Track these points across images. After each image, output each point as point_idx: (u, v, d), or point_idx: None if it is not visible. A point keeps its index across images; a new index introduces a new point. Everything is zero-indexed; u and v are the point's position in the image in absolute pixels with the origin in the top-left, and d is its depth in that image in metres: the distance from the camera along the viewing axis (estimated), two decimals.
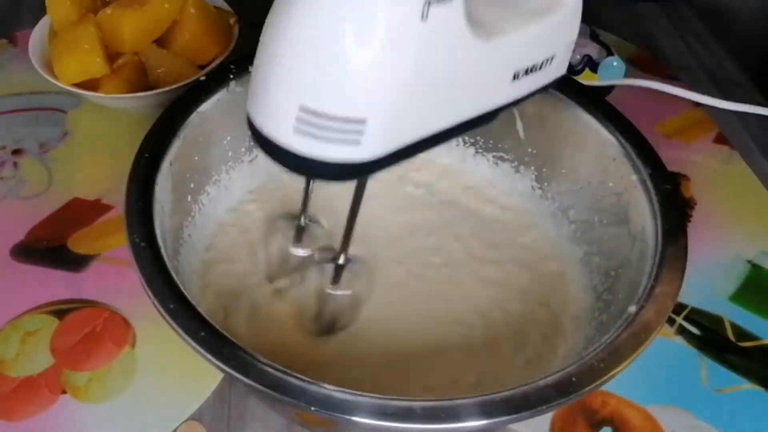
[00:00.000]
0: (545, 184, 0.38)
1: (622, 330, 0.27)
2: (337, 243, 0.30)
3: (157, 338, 0.36)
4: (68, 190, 0.43)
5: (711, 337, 0.32)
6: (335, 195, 0.31)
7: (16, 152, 0.45)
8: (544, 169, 0.38)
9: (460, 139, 0.40)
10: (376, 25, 0.21)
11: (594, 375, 0.26)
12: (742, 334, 0.37)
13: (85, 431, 0.32)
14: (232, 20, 0.48)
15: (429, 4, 0.21)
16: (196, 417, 0.33)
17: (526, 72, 0.27)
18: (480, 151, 0.40)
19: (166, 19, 0.44)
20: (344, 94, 0.22)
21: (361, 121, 0.22)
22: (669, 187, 0.32)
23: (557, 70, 0.28)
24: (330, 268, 0.31)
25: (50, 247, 0.40)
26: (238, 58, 0.36)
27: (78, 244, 0.40)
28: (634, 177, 0.33)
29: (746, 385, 0.36)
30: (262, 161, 0.38)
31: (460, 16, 0.22)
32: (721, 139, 0.49)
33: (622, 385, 0.34)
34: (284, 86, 0.22)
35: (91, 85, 0.44)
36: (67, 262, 0.39)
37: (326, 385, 0.24)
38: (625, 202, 0.33)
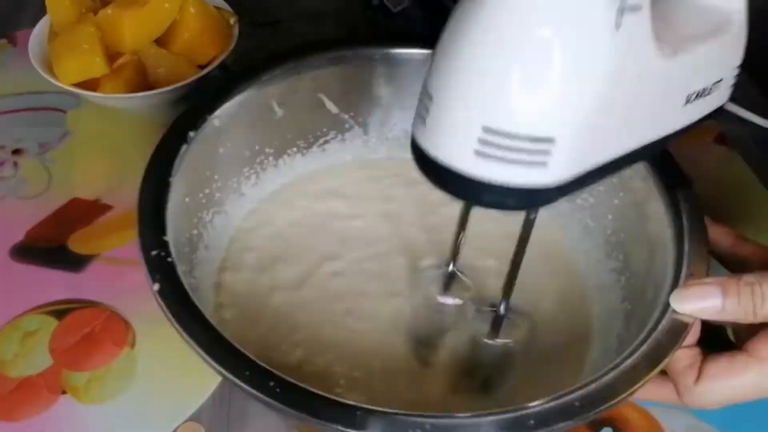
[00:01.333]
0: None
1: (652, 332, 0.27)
2: (481, 290, 0.29)
3: (157, 338, 0.36)
4: (68, 190, 0.43)
5: (711, 337, 0.31)
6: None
7: (16, 152, 0.45)
8: None
9: None
10: (568, 36, 0.20)
11: (613, 392, 0.25)
12: None
13: (84, 431, 0.32)
14: (232, 20, 0.48)
15: (622, 11, 0.20)
16: (196, 417, 0.33)
17: (697, 95, 0.25)
18: None
19: (166, 19, 0.44)
20: (532, 111, 0.20)
21: (550, 140, 0.21)
22: (690, 194, 0.31)
23: (722, 95, 0.27)
24: (482, 317, 0.29)
25: (50, 247, 0.40)
26: (266, 58, 0.35)
27: (78, 244, 0.40)
28: (659, 198, 0.32)
29: None
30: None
31: (648, 26, 0.21)
32: (721, 140, 0.49)
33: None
34: (465, 105, 0.21)
35: (91, 85, 0.44)
36: (67, 262, 0.39)
37: (329, 396, 0.24)
38: (644, 211, 0.33)
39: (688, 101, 0.25)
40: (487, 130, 0.21)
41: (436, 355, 0.32)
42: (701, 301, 0.27)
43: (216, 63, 0.45)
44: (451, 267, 0.31)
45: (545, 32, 0.20)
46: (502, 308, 0.28)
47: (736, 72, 0.27)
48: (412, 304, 0.33)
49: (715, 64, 0.26)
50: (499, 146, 0.21)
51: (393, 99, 0.38)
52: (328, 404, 0.24)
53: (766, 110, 0.48)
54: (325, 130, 0.39)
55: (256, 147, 0.36)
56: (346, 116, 0.39)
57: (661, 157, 0.33)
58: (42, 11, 0.46)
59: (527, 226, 0.26)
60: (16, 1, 0.56)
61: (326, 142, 0.39)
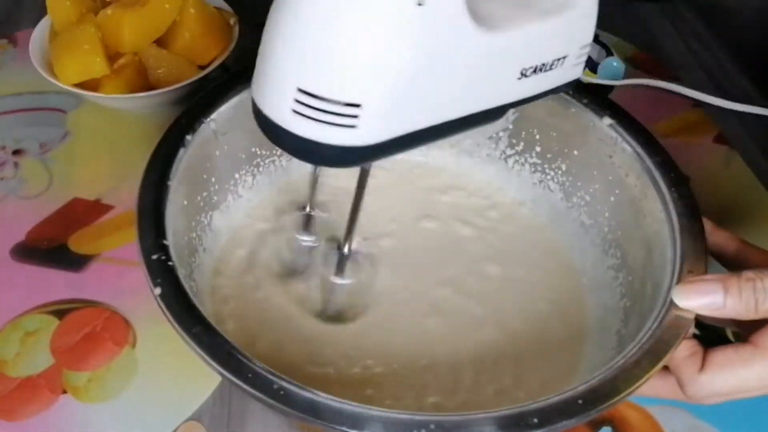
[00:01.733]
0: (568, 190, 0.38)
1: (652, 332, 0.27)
2: (337, 231, 0.30)
3: (157, 338, 0.36)
4: (68, 190, 0.43)
5: (711, 337, 0.32)
6: (343, 188, 0.31)
7: (17, 152, 0.45)
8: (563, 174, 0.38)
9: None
10: (372, 9, 0.21)
11: (614, 389, 0.25)
12: None
13: (85, 431, 0.32)
14: (232, 20, 0.48)
15: None
16: (196, 417, 0.33)
17: (535, 71, 0.26)
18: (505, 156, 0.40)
19: (166, 20, 0.45)
20: (340, 78, 0.22)
21: (357, 106, 0.22)
22: (685, 190, 0.31)
23: (571, 72, 0.28)
24: (335, 258, 0.31)
25: (50, 247, 0.40)
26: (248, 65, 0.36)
27: (78, 243, 0.40)
28: (656, 194, 0.32)
29: None
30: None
31: (460, 2, 0.22)
32: (720, 139, 0.49)
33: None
34: (283, 68, 0.23)
35: (91, 85, 0.44)
36: (68, 262, 0.39)
37: (333, 398, 0.24)
38: (641, 208, 0.33)
39: (524, 75, 0.26)
40: (301, 91, 0.23)
41: (301, 291, 0.34)
42: (703, 298, 0.27)
43: (216, 63, 0.45)
44: (307, 209, 0.33)
45: (352, 4, 0.21)
46: (345, 249, 0.30)
47: (584, 50, 0.28)
48: (276, 244, 0.36)
49: (556, 42, 0.26)
50: (312, 107, 0.23)
51: None
52: (333, 406, 0.24)
53: (765, 106, 0.48)
54: None
55: (252, 149, 0.37)
56: None
57: (657, 154, 0.33)
58: (42, 12, 0.46)
59: (362, 180, 0.28)
60: (16, 2, 0.56)
61: None
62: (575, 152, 0.37)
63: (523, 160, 0.39)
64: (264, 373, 0.24)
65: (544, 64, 0.26)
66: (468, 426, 0.24)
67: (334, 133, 0.23)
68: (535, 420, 0.24)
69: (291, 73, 0.23)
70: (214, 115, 0.33)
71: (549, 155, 0.38)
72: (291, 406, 0.24)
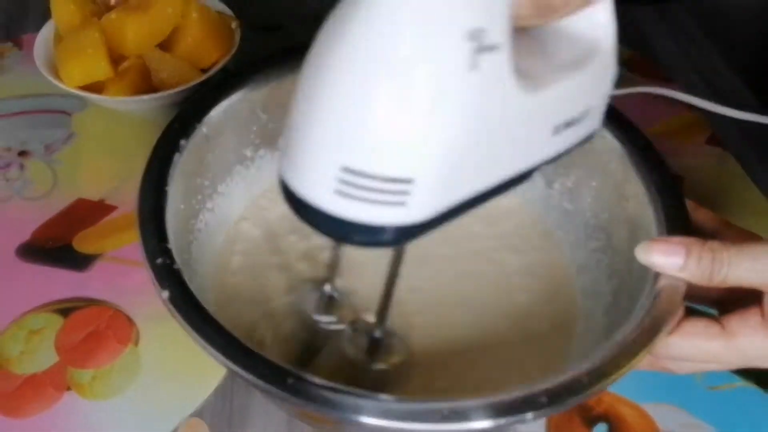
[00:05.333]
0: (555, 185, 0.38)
1: (633, 329, 0.27)
2: (367, 312, 0.29)
3: (160, 336, 0.36)
4: (73, 190, 0.43)
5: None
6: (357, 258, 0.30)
7: (22, 154, 0.45)
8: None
9: None
10: (421, 77, 0.19)
11: (603, 374, 0.26)
12: None
13: (89, 428, 0.33)
14: (233, 24, 0.48)
15: (478, 52, 0.19)
16: (199, 414, 0.33)
17: (566, 125, 0.25)
18: None
19: (169, 24, 0.45)
20: (389, 153, 0.20)
21: (409, 181, 0.20)
22: (672, 185, 0.32)
23: (593, 123, 0.27)
24: (364, 340, 0.29)
25: (55, 246, 0.40)
26: (244, 64, 0.36)
27: (83, 243, 0.40)
28: (638, 178, 0.33)
29: (740, 383, 0.36)
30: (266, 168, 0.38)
31: (508, 64, 0.21)
32: (713, 141, 0.49)
33: (617, 383, 0.34)
34: (324, 145, 0.21)
35: (95, 87, 0.44)
36: (72, 262, 0.39)
37: (332, 385, 0.24)
38: (623, 191, 0.34)
39: (556, 132, 0.25)
40: (345, 169, 0.20)
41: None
42: (664, 257, 0.28)
43: (218, 67, 0.45)
44: (328, 288, 0.31)
45: (402, 74, 0.19)
46: (377, 333, 0.28)
47: (605, 99, 0.27)
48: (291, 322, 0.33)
49: (583, 94, 0.25)
50: (358, 186, 0.21)
51: None
52: (350, 397, 0.24)
53: (758, 110, 0.48)
54: None
55: (242, 152, 0.37)
56: None
57: (637, 139, 0.34)
58: (47, 15, 0.47)
59: (396, 260, 0.26)
60: (21, 6, 0.56)
61: None
62: None
63: None
64: (278, 369, 0.25)
65: (573, 118, 0.25)
66: (479, 409, 0.24)
67: (381, 212, 0.21)
68: (545, 399, 0.24)
69: (334, 150, 0.20)
70: (205, 120, 0.34)
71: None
72: (308, 400, 0.24)
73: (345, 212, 0.21)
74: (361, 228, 0.21)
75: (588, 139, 0.27)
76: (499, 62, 0.20)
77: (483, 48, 0.19)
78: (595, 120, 0.27)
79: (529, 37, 0.25)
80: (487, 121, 0.21)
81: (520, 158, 0.24)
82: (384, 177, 0.20)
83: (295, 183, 0.22)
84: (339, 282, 0.32)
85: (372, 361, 0.29)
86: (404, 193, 0.21)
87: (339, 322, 0.31)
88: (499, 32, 0.20)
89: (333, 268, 0.31)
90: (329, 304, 0.32)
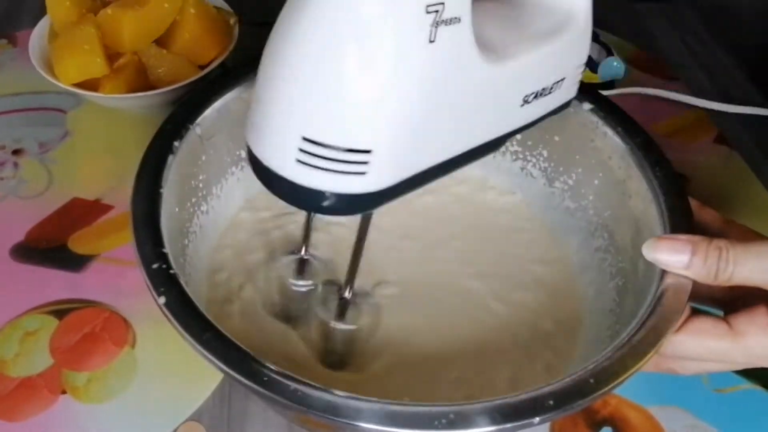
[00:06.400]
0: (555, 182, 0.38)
1: (637, 330, 0.27)
2: (339, 275, 0.29)
3: (157, 338, 0.36)
4: (68, 190, 0.43)
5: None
6: (337, 222, 0.30)
7: (16, 152, 0.45)
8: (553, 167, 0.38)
9: None
10: (381, 51, 0.20)
11: (609, 377, 0.25)
12: None
13: (84, 431, 0.32)
14: (232, 20, 0.48)
15: (437, 25, 0.20)
16: (196, 417, 0.33)
17: (536, 96, 0.26)
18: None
19: (166, 19, 0.44)
20: (348, 125, 0.21)
21: (367, 152, 0.21)
22: (676, 189, 0.31)
23: (567, 93, 0.27)
24: (334, 302, 0.30)
25: (50, 247, 0.40)
26: (239, 62, 0.36)
27: (78, 244, 0.40)
28: (640, 175, 0.32)
29: (746, 385, 0.36)
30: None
31: (468, 37, 0.21)
32: (720, 140, 0.49)
33: (622, 385, 0.34)
34: (285, 116, 0.21)
35: (91, 85, 0.44)
36: (67, 262, 0.39)
37: (332, 390, 0.24)
38: (626, 189, 0.33)
39: (525, 102, 0.25)
40: (306, 140, 0.21)
41: (300, 334, 0.32)
42: (670, 254, 0.28)
43: (216, 63, 0.45)
44: (302, 253, 0.32)
45: (359, 47, 0.20)
46: (346, 293, 0.29)
47: (579, 70, 0.27)
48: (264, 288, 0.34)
49: (555, 65, 0.26)
50: (318, 156, 0.21)
51: None
52: (353, 403, 0.24)
53: (765, 106, 0.48)
54: None
55: (237, 152, 0.36)
56: None
57: (638, 135, 0.33)
58: (42, 11, 0.46)
59: (364, 224, 0.27)
60: (16, 1, 0.56)
61: None
62: (556, 138, 0.37)
63: (504, 148, 0.39)
64: (278, 375, 0.24)
65: (544, 89, 0.26)
66: (485, 414, 0.24)
67: (341, 182, 0.22)
68: (551, 402, 0.24)
69: (294, 121, 0.21)
70: (198, 120, 0.33)
71: (530, 142, 0.38)
72: (308, 406, 0.24)
73: (307, 181, 0.22)
74: (323, 196, 0.22)
75: (562, 108, 0.27)
76: (459, 35, 0.21)
77: (442, 21, 0.20)
78: (570, 90, 0.27)
79: (504, 7, 0.25)
80: (447, 92, 0.22)
81: (486, 128, 0.25)
82: (343, 147, 0.21)
83: (260, 152, 0.23)
84: (313, 250, 0.32)
85: (341, 321, 0.30)
86: (363, 162, 0.21)
87: (313, 285, 0.32)
88: (458, 5, 0.20)
89: (306, 234, 0.31)
90: (304, 269, 0.33)
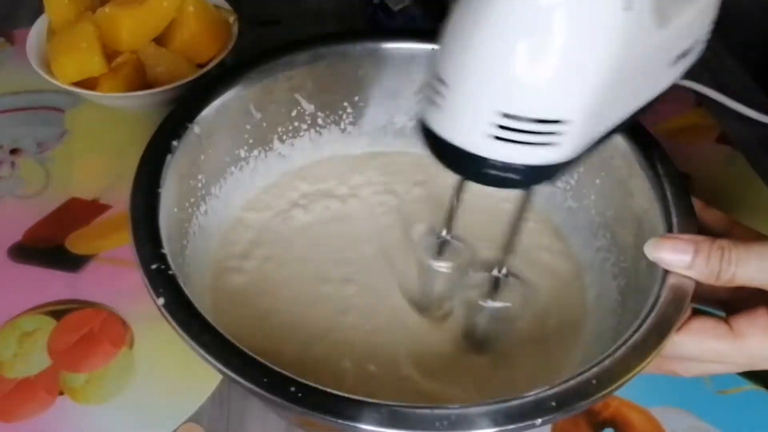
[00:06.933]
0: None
1: (638, 330, 0.27)
2: (476, 256, 0.29)
3: (155, 339, 0.35)
4: (66, 189, 0.42)
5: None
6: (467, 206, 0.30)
7: (14, 151, 0.45)
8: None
9: None
10: (579, 20, 0.20)
11: (613, 377, 0.25)
12: None
13: None
14: (231, 19, 0.48)
15: None
16: (195, 418, 0.33)
17: (680, 57, 0.26)
18: None
19: (165, 18, 0.44)
20: (545, 97, 0.21)
21: (564, 122, 0.22)
22: (679, 189, 0.31)
23: (697, 52, 0.27)
24: (478, 280, 0.30)
25: (48, 247, 0.39)
26: (237, 61, 0.36)
27: (76, 244, 0.40)
28: (642, 174, 0.32)
29: (748, 387, 0.36)
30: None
31: (652, 3, 0.21)
32: (723, 139, 0.49)
33: (623, 387, 0.34)
34: (481, 92, 0.22)
35: (89, 83, 0.43)
36: (65, 263, 0.39)
37: (331, 391, 0.24)
38: (628, 188, 0.33)
39: (673, 63, 0.26)
40: (502, 114, 0.21)
41: (437, 319, 0.33)
42: (673, 254, 0.28)
43: (215, 62, 0.45)
44: (444, 233, 0.31)
45: (557, 18, 0.20)
46: (500, 270, 0.29)
47: (709, 31, 0.27)
48: (405, 271, 0.34)
49: (696, 26, 0.26)
50: (514, 129, 0.22)
51: (368, 95, 0.38)
52: (354, 405, 0.24)
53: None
54: (303, 127, 0.38)
55: (236, 151, 0.36)
56: (322, 114, 0.38)
57: (640, 134, 0.33)
58: (40, 9, 0.46)
59: (525, 201, 0.27)
60: (13, 0, 0.56)
61: (302, 138, 0.39)
62: None
63: None
64: (277, 376, 0.24)
65: (686, 50, 0.26)
66: (487, 416, 0.23)
67: (536, 154, 0.22)
68: (554, 404, 0.24)
69: (490, 96, 0.21)
70: (197, 119, 0.33)
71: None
72: (308, 408, 0.23)
73: (503, 156, 0.22)
74: (515, 170, 0.23)
75: (683, 75, 0.27)
76: (647, 1, 0.21)
77: None
78: (698, 49, 0.27)
79: None
80: (630, 59, 0.22)
81: (647, 90, 0.25)
82: (540, 119, 0.21)
83: (448, 132, 0.23)
84: (455, 230, 0.32)
85: (494, 299, 0.30)
86: (558, 134, 0.22)
87: (455, 267, 0.32)
88: None
89: (450, 215, 0.31)
90: (446, 249, 0.32)
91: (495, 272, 0.30)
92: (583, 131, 0.22)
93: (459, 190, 0.30)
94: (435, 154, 0.24)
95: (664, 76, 0.26)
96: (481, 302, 0.30)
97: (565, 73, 0.21)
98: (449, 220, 0.31)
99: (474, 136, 0.22)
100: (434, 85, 0.23)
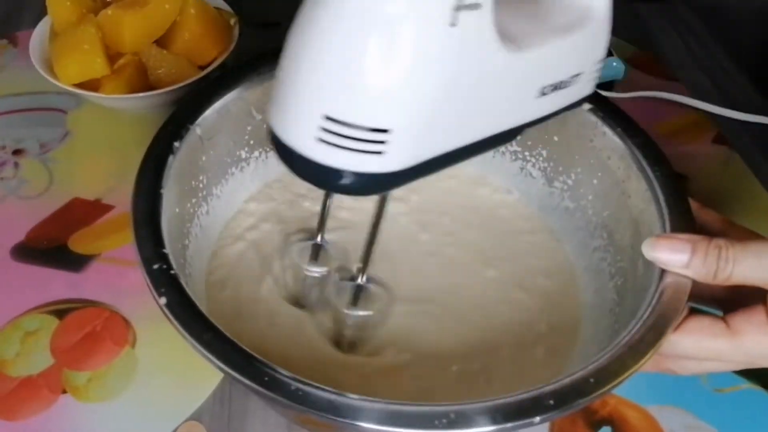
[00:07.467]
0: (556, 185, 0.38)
1: (637, 329, 0.27)
2: (354, 262, 0.29)
3: (157, 338, 0.36)
4: (68, 190, 0.43)
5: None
6: (352, 209, 0.31)
7: (17, 152, 0.45)
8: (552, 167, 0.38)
9: None
10: (403, 33, 0.20)
11: (610, 375, 0.25)
12: None
13: (84, 431, 0.32)
14: (232, 21, 0.48)
15: (458, 9, 0.20)
16: (196, 417, 0.33)
17: (554, 88, 0.26)
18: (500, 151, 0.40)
19: (167, 20, 0.45)
20: (369, 103, 0.21)
21: (386, 131, 0.22)
22: (676, 189, 0.31)
23: (584, 88, 0.27)
24: (348, 288, 0.30)
25: (50, 247, 0.40)
26: (243, 62, 0.36)
27: (78, 244, 0.40)
28: (640, 175, 0.33)
29: (745, 385, 0.36)
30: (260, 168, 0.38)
31: (489, 23, 0.21)
32: (720, 140, 0.49)
33: (621, 385, 0.34)
34: (307, 95, 0.22)
35: (91, 85, 0.44)
36: (68, 262, 0.39)
37: (332, 390, 0.24)
38: (625, 189, 0.33)
39: (543, 94, 0.25)
40: (327, 118, 0.22)
41: (313, 320, 0.33)
42: (670, 253, 0.28)
43: (216, 63, 0.45)
44: (318, 239, 0.32)
45: (383, 28, 0.20)
46: (360, 279, 0.30)
47: (597, 66, 0.27)
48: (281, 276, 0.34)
49: (573, 59, 0.26)
50: (338, 134, 0.22)
51: None
52: (354, 403, 0.24)
53: (764, 110, 0.48)
54: None
55: (237, 152, 0.36)
56: None
57: (637, 135, 0.33)
58: (43, 12, 0.46)
59: (381, 206, 0.27)
60: (16, 2, 0.56)
61: None
62: (555, 138, 0.37)
63: (503, 148, 0.39)
64: (279, 375, 0.24)
65: (562, 82, 0.26)
66: (485, 413, 0.24)
67: (360, 161, 0.22)
68: (552, 402, 0.24)
69: (316, 99, 0.22)
70: (199, 120, 0.33)
71: (529, 142, 0.38)
72: (309, 406, 0.24)
73: (326, 159, 0.23)
74: (341, 175, 0.23)
75: (578, 103, 0.28)
76: (480, 21, 0.21)
77: (463, 5, 0.20)
78: (586, 85, 0.27)
79: (525, 1, 0.25)
80: (466, 77, 0.22)
81: (502, 117, 0.25)
82: (363, 126, 0.22)
83: (280, 131, 0.23)
84: (329, 237, 0.33)
85: (355, 307, 0.30)
86: (382, 142, 0.22)
87: (327, 271, 0.33)
88: None
89: (322, 220, 0.32)
90: (319, 255, 0.33)
91: (359, 280, 0.30)
92: (411, 144, 0.22)
93: (327, 195, 0.30)
94: (276, 151, 0.24)
95: (530, 106, 0.26)
96: (346, 310, 0.30)
97: (387, 82, 0.21)
98: (321, 225, 0.32)
99: (303, 138, 0.23)
100: (274, 83, 0.23)
